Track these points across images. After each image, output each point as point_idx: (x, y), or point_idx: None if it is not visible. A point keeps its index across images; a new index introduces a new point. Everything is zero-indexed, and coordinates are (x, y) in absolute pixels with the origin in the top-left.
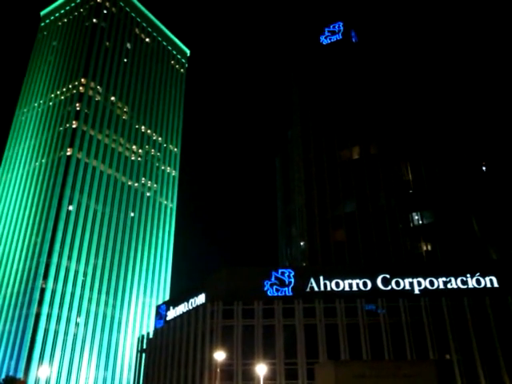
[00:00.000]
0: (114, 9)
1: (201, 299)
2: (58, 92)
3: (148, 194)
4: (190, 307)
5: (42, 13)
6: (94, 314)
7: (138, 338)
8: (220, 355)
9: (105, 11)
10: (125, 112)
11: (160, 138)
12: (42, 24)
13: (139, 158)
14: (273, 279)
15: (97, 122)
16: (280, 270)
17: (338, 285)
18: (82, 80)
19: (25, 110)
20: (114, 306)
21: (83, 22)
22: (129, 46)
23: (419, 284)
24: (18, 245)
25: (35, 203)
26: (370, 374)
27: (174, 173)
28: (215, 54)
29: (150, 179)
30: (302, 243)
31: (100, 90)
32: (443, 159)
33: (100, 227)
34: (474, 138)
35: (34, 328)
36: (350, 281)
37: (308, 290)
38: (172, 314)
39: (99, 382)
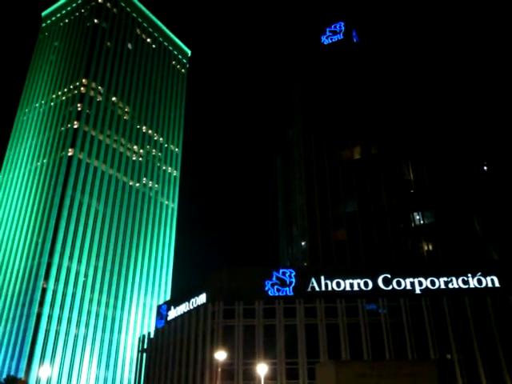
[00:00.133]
0: (115, 9)
1: (202, 299)
2: (60, 92)
3: (149, 194)
4: (191, 307)
5: (44, 13)
6: (94, 315)
7: (139, 338)
8: (221, 355)
9: (106, 12)
10: (126, 112)
11: (161, 138)
12: (44, 24)
13: (140, 158)
14: (274, 279)
15: (98, 122)
16: (281, 270)
17: (339, 284)
18: (84, 80)
19: (26, 111)
20: (114, 307)
21: (84, 23)
22: (130, 46)
23: (420, 284)
24: (20, 245)
25: (36, 203)
26: (370, 374)
27: (175, 173)
28: (216, 54)
29: (151, 179)
30: (302, 243)
31: (101, 91)
32: (444, 159)
33: (101, 227)
34: (475, 137)
35: (35, 328)
36: (351, 280)
37: (309, 289)
38: (173, 313)
39: (100, 382)
